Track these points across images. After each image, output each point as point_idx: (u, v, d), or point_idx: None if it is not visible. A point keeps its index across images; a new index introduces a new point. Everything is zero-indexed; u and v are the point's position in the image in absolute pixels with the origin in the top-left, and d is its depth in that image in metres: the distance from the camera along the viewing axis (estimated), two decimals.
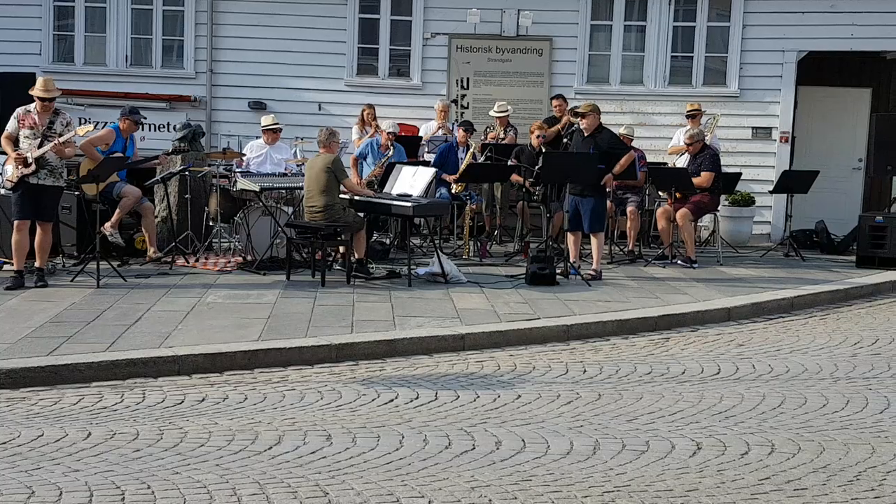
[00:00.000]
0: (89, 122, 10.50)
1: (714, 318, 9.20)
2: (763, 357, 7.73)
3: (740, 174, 12.97)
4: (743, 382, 6.91)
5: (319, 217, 9.87)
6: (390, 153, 11.87)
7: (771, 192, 13.35)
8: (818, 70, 14.28)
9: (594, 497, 4.60)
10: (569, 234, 10.66)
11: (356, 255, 10.12)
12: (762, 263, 12.12)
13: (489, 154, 12.10)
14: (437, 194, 11.71)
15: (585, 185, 10.39)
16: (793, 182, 12.72)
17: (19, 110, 9.28)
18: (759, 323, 9.24)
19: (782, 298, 9.94)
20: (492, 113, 13.17)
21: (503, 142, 12.80)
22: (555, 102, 13.15)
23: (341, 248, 10.42)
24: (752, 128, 14.06)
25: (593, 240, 10.60)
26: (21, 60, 13.47)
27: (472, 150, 12.10)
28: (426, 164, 11.90)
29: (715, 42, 14.09)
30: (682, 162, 12.26)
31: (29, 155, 9.06)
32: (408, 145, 12.51)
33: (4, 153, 9.35)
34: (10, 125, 9.27)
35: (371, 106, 13.22)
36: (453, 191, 11.92)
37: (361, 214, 10.96)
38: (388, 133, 11.94)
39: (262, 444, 5.28)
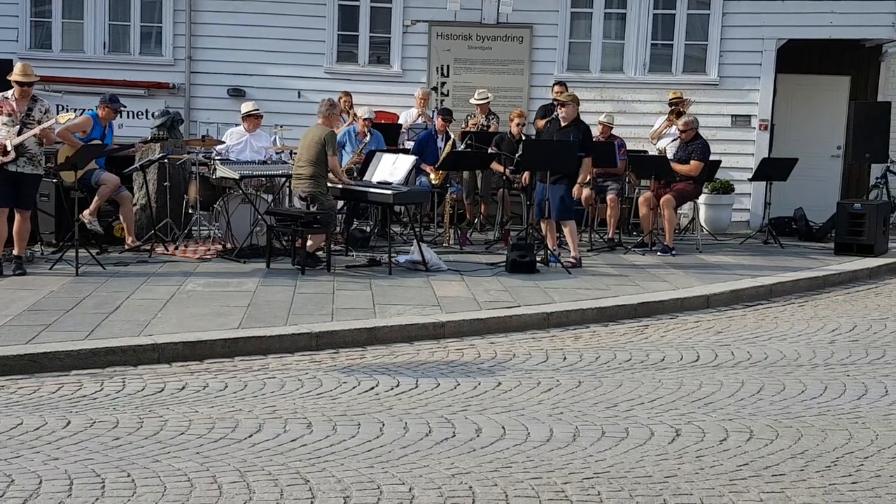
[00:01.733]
0: (69, 110, 10.42)
1: (693, 305, 9.24)
2: (742, 344, 7.78)
3: (720, 162, 13.04)
4: (722, 369, 6.95)
5: (304, 185, 9.86)
6: (367, 140, 11.85)
7: (750, 180, 13.43)
8: (797, 58, 14.33)
9: (574, 483, 4.62)
10: (541, 222, 10.67)
11: (310, 247, 10.03)
12: (741, 251, 12.19)
13: (469, 142, 12.08)
14: (417, 182, 11.69)
15: (566, 173, 10.41)
16: (772, 169, 12.78)
17: None
18: (737, 310, 9.29)
19: (761, 286, 9.99)
20: (472, 101, 13.16)
21: (489, 130, 12.78)
22: (556, 89, 12.90)
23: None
24: (732, 115, 14.12)
25: (564, 228, 10.62)
26: None
27: (452, 139, 12.08)
28: (406, 151, 11.87)
29: (695, 30, 14.14)
30: (668, 149, 12.28)
31: (8, 143, 8.99)
32: (387, 133, 12.48)
33: None
34: None
35: (348, 94, 13.18)
36: (433, 182, 11.89)
37: (341, 203, 10.95)
38: (365, 119, 11.91)
39: (243, 432, 5.28)
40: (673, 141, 12.34)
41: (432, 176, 11.86)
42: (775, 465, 4.94)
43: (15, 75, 9.12)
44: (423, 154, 11.96)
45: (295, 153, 10.56)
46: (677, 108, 12.83)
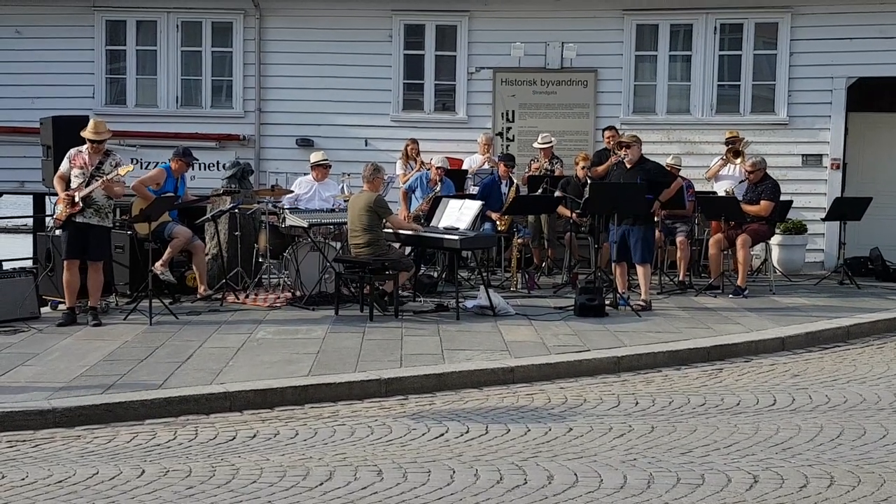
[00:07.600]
0: (143, 164, 10.68)
1: (768, 347, 9.06)
2: (820, 387, 7.59)
3: (791, 202, 12.84)
4: (799, 413, 6.78)
5: (364, 252, 9.90)
6: (438, 188, 11.89)
7: (823, 220, 13.18)
8: (869, 96, 14.09)
9: None
10: (615, 265, 10.58)
11: (386, 288, 10.11)
12: (816, 292, 11.94)
13: (545, 186, 12.09)
14: (481, 228, 11.68)
15: (635, 215, 10.33)
16: (846, 209, 12.55)
17: (72, 151, 9.50)
18: (814, 352, 9.09)
19: (838, 327, 9.76)
20: (535, 145, 13.18)
21: (553, 174, 12.77)
22: (606, 134, 12.99)
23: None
24: (802, 155, 13.91)
25: (640, 270, 10.51)
26: (75, 104, 13.69)
27: (515, 184, 12.10)
28: (472, 196, 11.89)
29: (762, 70, 14.01)
30: (735, 192, 12.13)
31: (76, 194, 9.23)
32: (453, 179, 12.54)
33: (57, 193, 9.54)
34: (63, 165, 9.48)
35: (414, 140, 13.30)
36: (500, 228, 11.89)
37: (408, 250, 10.99)
38: (438, 168, 11.97)
39: (314, 480, 5.27)
40: (741, 182, 12.19)
41: (499, 223, 11.87)
42: None
43: (87, 132, 9.39)
44: (487, 200, 11.96)
45: None
46: (734, 146, 12.71)
